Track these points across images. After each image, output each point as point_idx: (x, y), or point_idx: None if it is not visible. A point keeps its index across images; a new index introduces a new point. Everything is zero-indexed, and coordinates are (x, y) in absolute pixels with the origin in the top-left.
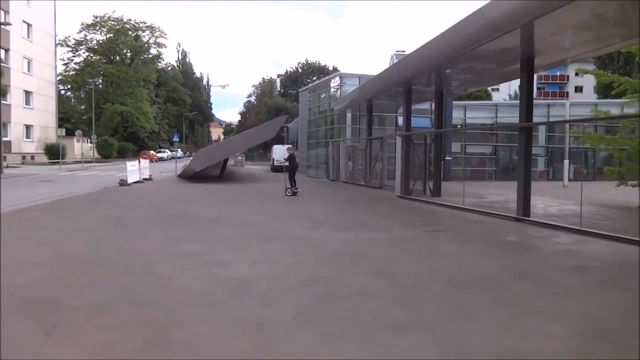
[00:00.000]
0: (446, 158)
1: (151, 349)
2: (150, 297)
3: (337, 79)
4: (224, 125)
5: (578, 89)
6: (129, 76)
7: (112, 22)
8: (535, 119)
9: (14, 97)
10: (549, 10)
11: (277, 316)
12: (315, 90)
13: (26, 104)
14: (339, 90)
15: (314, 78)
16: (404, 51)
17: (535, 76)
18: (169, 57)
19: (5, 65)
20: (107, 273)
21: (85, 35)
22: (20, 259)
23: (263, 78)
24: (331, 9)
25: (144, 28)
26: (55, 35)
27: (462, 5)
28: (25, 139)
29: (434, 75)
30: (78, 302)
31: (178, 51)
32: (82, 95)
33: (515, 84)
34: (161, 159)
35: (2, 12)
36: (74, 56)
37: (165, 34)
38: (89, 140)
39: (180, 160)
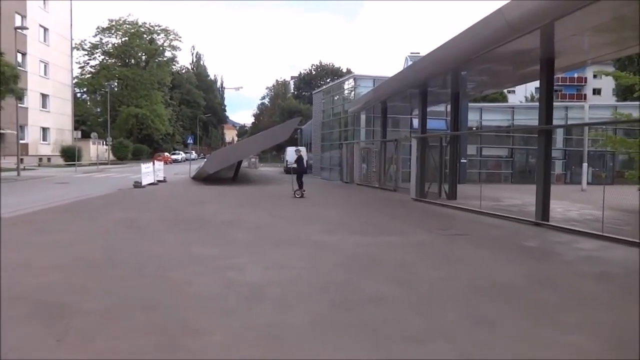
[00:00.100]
0: (461, 160)
1: (162, 357)
2: (163, 302)
3: (351, 80)
4: (237, 127)
5: (596, 92)
6: (144, 79)
7: (128, 26)
8: (553, 122)
9: (31, 100)
10: (570, 10)
11: (292, 323)
12: (329, 92)
13: (43, 107)
14: (353, 92)
15: (328, 80)
16: (418, 53)
17: None
18: (184, 60)
19: (22, 69)
20: (120, 277)
21: (101, 38)
22: (36, 262)
23: (277, 80)
24: (346, 10)
25: (158, 31)
26: (72, 39)
27: (477, 6)
28: (41, 142)
29: (450, 77)
30: (90, 306)
31: (192, 54)
32: (98, 98)
33: (531, 86)
34: (175, 161)
35: (20, 17)
36: (89, 59)
37: (180, 37)
38: (104, 143)
39: (194, 162)
